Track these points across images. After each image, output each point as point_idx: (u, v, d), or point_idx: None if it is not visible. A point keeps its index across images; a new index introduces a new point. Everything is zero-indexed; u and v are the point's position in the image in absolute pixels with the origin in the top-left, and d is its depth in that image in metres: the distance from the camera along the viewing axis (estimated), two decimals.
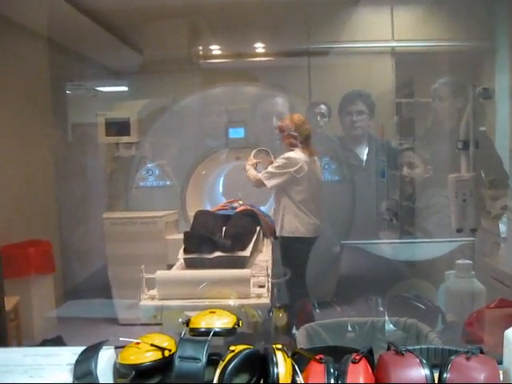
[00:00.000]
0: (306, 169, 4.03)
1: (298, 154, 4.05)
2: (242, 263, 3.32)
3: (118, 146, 4.94)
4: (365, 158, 5.07)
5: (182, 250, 3.41)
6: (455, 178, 3.83)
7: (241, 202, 4.37)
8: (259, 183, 4.09)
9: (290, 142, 4.09)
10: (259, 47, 5.77)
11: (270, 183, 4.04)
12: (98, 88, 6.15)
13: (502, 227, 3.93)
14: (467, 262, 3.22)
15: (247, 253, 3.39)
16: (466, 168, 3.86)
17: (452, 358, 1.41)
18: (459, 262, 3.22)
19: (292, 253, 4.15)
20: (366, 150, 5.09)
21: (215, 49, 5.82)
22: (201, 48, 5.69)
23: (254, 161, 4.28)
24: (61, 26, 4.72)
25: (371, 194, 5.01)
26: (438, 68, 4.87)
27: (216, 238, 3.39)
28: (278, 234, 4.17)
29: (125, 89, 6.28)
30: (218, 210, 4.28)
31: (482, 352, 1.43)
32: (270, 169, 4.06)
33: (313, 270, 4.18)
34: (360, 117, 4.97)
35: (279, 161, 4.05)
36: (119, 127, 4.83)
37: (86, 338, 3.74)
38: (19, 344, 3.85)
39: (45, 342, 3.85)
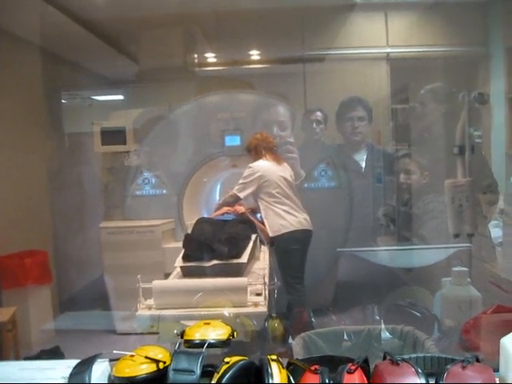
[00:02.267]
0: (271, 173, 4.21)
1: (260, 163, 4.26)
2: (238, 270, 3.32)
3: (129, 153, 4.95)
4: (363, 164, 5.07)
5: (179, 258, 3.41)
6: (451, 184, 3.84)
7: (239, 208, 4.37)
8: (234, 197, 4.31)
9: (254, 156, 4.36)
10: (254, 54, 5.79)
11: (243, 194, 4.25)
12: (93, 97, 6.16)
13: (497, 232, 3.94)
14: (463, 269, 3.22)
15: (244, 259, 3.39)
16: (462, 173, 3.87)
17: (448, 366, 1.41)
18: (455, 269, 3.21)
19: (289, 254, 4.19)
20: (364, 156, 5.10)
21: (210, 56, 5.83)
22: (196, 56, 5.70)
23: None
24: (56, 35, 4.73)
25: (368, 200, 5.01)
26: (433, 73, 4.89)
27: (213, 244, 3.39)
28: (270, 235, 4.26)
29: (121, 98, 6.29)
30: (223, 214, 4.31)
31: (478, 360, 1.43)
32: (240, 181, 4.26)
33: (310, 278, 4.18)
34: (361, 123, 4.98)
35: (245, 172, 4.27)
36: (115, 136, 4.83)
37: (83, 347, 3.75)
38: (16, 354, 3.83)
39: (42, 353, 3.84)
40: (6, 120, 4.40)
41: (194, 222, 3.97)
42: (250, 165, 4.27)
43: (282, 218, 4.19)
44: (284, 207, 4.21)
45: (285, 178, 4.26)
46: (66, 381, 1.44)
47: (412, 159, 4.62)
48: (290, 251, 4.18)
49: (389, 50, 5.26)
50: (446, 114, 4.34)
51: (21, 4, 4.21)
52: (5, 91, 4.45)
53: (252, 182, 4.21)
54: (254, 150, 4.35)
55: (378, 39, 5.22)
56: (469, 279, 3.17)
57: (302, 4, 4.77)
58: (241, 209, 4.34)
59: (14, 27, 4.51)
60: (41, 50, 4.85)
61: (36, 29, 4.55)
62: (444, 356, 1.66)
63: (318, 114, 5.00)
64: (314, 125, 4.99)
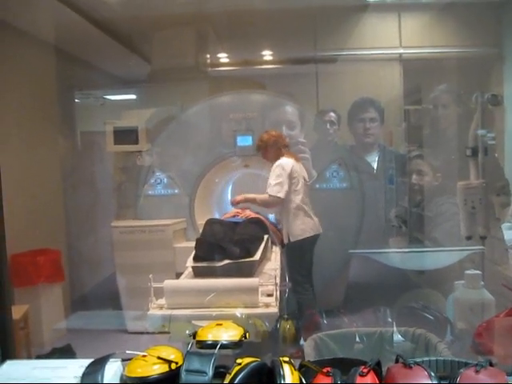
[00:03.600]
0: (298, 171, 4.11)
1: (285, 160, 4.11)
2: (250, 270, 3.31)
3: (141, 153, 4.96)
4: (375, 165, 5.06)
5: (190, 258, 3.41)
6: (464, 186, 3.81)
7: (248, 212, 4.34)
8: (274, 200, 4.07)
9: (272, 153, 4.18)
10: (267, 55, 5.78)
11: (282, 194, 4.03)
12: (106, 96, 6.18)
13: (510, 234, 3.90)
14: (476, 272, 3.20)
15: (256, 257, 3.38)
16: (474, 175, 3.84)
17: (461, 370, 1.40)
18: (468, 272, 3.19)
19: (301, 256, 4.16)
20: (376, 157, 5.08)
21: (223, 57, 5.83)
22: (208, 56, 5.71)
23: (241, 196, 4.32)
24: (69, 35, 4.75)
25: (380, 201, 4.99)
26: (446, 75, 4.86)
27: (225, 244, 3.38)
28: (285, 241, 4.17)
29: (133, 97, 6.31)
30: (233, 216, 4.29)
31: (491, 364, 1.42)
32: (272, 182, 4.05)
33: (321, 279, 4.17)
34: (373, 124, 4.97)
35: (275, 171, 4.07)
36: (127, 136, 4.85)
37: (94, 347, 3.77)
38: (28, 353, 3.85)
39: (54, 351, 3.86)
40: (19, 119, 4.43)
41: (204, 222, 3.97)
42: (278, 162, 4.10)
43: (303, 221, 4.12)
44: (306, 208, 4.15)
45: (304, 178, 4.22)
46: (78, 380, 1.45)
47: (424, 160, 4.60)
48: (303, 254, 4.14)
49: (402, 50, 5.24)
50: (460, 115, 4.31)
51: (34, 3, 4.23)
52: (19, 90, 4.47)
53: (285, 181, 4.04)
54: (273, 147, 4.18)
55: (391, 40, 5.19)
56: (482, 282, 3.15)
57: (314, 4, 4.76)
58: (250, 214, 4.28)
59: (28, 26, 4.53)
60: (54, 50, 4.88)
61: (50, 28, 4.57)
62: (457, 360, 1.65)
63: (332, 114, 4.99)
64: (328, 125, 4.99)
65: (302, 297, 4.05)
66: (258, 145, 4.27)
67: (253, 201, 4.23)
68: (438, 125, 4.59)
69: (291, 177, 4.06)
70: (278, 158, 4.14)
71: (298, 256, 4.16)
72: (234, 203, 4.31)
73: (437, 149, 4.60)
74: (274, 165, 4.10)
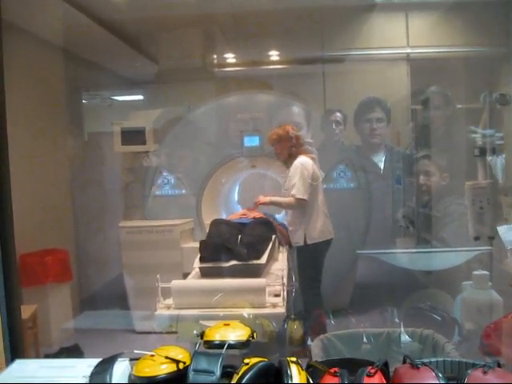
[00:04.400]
0: (316, 171, 4.00)
1: (305, 160, 3.98)
2: (257, 271, 3.32)
3: (148, 154, 4.98)
4: (382, 165, 5.04)
5: (197, 259, 3.42)
6: (472, 186, 3.80)
7: (255, 213, 4.33)
8: (300, 202, 3.89)
9: (291, 149, 4.02)
10: (273, 55, 5.78)
11: (306, 195, 3.88)
12: (113, 97, 6.20)
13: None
14: (484, 272, 3.19)
15: (263, 261, 3.39)
16: (482, 175, 3.83)
17: (469, 371, 1.39)
18: (476, 272, 3.18)
19: (317, 258, 4.02)
20: (383, 157, 5.07)
21: (229, 57, 5.84)
22: (215, 56, 5.72)
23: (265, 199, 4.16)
24: (77, 36, 4.77)
25: (388, 202, 4.98)
26: (454, 74, 4.84)
27: (232, 246, 3.39)
28: (300, 244, 4.00)
29: (140, 98, 6.33)
30: (240, 217, 4.28)
31: (499, 365, 1.42)
32: (297, 183, 3.86)
33: (328, 279, 4.16)
34: (379, 124, 4.95)
35: (297, 170, 3.91)
36: (135, 136, 4.86)
37: (102, 346, 3.78)
38: (37, 352, 3.87)
39: (62, 350, 3.88)
40: (29, 120, 4.45)
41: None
42: (299, 162, 3.93)
43: (324, 224, 4.01)
44: (324, 210, 4.04)
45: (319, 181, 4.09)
46: (86, 379, 1.45)
47: (432, 161, 4.59)
48: (318, 257, 4.02)
49: (409, 50, 5.22)
50: (467, 115, 4.31)
51: (42, 5, 4.25)
52: (27, 91, 4.49)
53: (307, 181, 3.88)
54: (288, 143, 4.00)
55: (398, 40, 5.18)
56: (490, 283, 3.14)
57: (321, 4, 4.75)
58: (258, 214, 4.24)
59: (36, 28, 4.55)
60: (62, 51, 4.90)
61: (57, 30, 4.59)
62: (464, 360, 1.65)
63: (338, 114, 4.98)
64: (334, 125, 4.97)
65: (312, 300, 3.95)
66: (273, 138, 4.07)
67: (278, 204, 4.13)
68: (446, 124, 4.59)
69: (313, 177, 3.93)
70: (291, 156, 4.01)
71: (313, 258, 4.04)
72: (257, 205, 4.15)
73: (444, 149, 4.58)
74: (295, 165, 3.94)
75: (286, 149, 4.03)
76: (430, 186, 4.59)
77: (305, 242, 3.97)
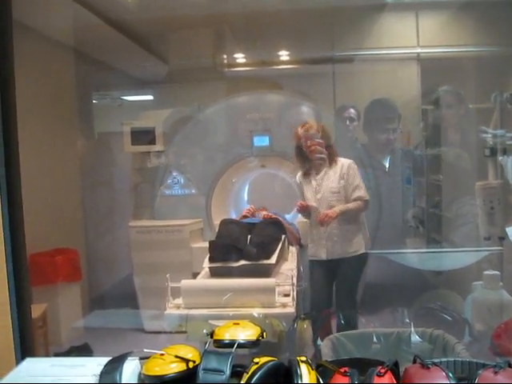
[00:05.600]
0: None
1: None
2: (267, 271, 3.32)
3: (150, 154, 4.99)
4: (387, 164, 5.02)
5: (207, 259, 3.43)
6: (483, 186, 3.78)
7: (264, 212, 4.33)
8: (367, 204, 3.64)
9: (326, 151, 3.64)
10: (283, 55, 5.78)
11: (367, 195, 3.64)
12: (123, 97, 6.22)
13: None
14: (495, 272, 3.17)
15: (272, 261, 3.39)
16: (493, 175, 3.80)
17: (479, 371, 1.39)
18: (487, 272, 3.17)
19: (358, 274, 3.71)
20: (388, 156, 5.05)
21: (240, 57, 5.84)
22: (225, 56, 5.72)
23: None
24: (87, 36, 4.78)
25: (397, 201, 4.96)
26: (464, 74, 4.82)
27: (241, 246, 3.39)
28: (361, 251, 3.64)
29: (150, 98, 6.35)
30: (242, 217, 4.28)
31: (510, 366, 1.41)
32: (359, 183, 3.58)
33: None
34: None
35: (354, 169, 3.61)
36: (145, 136, 4.88)
37: (111, 345, 3.79)
38: (47, 351, 3.89)
39: (72, 350, 3.90)
40: (38, 120, 4.47)
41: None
42: (349, 161, 3.64)
43: (367, 232, 3.74)
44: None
45: None
46: (96, 378, 1.46)
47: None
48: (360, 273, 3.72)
49: (419, 50, 5.20)
50: (478, 115, 4.28)
51: (53, 5, 4.27)
52: (38, 91, 4.51)
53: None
54: (331, 141, 3.69)
55: (409, 39, 5.16)
56: (501, 283, 3.12)
57: (331, 4, 4.74)
58: (269, 215, 4.22)
59: (46, 28, 4.57)
60: (73, 51, 4.92)
61: (68, 30, 4.61)
62: (475, 361, 1.64)
63: (352, 111, 4.97)
64: (348, 122, 4.96)
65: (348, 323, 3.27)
66: (311, 133, 3.66)
67: (349, 212, 3.59)
68: (458, 124, 4.57)
69: None
70: (331, 155, 3.65)
71: (360, 270, 3.73)
72: (327, 222, 3.54)
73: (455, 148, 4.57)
74: (349, 165, 3.60)
75: (334, 150, 3.68)
76: (441, 186, 4.57)
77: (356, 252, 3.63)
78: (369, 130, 5.04)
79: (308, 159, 3.69)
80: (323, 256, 3.62)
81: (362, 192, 3.58)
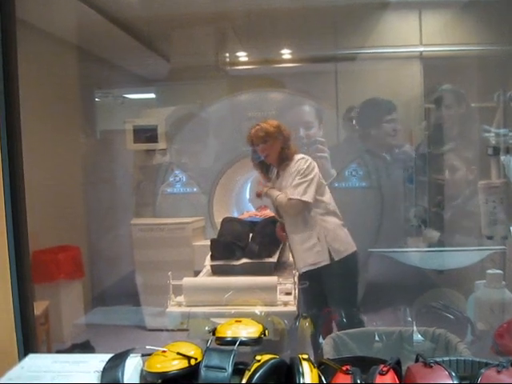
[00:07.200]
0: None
1: (305, 155, 3.31)
2: (268, 270, 3.32)
3: (155, 152, 4.99)
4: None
5: (208, 257, 3.43)
6: (485, 185, 3.77)
7: (268, 211, 4.33)
8: (298, 204, 3.14)
9: (285, 147, 3.28)
10: (286, 53, 5.78)
11: (309, 197, 3.13)
12: (126, 95, 6.22)
13: None
14: (498, 271, 3.17)
15: (274, 259, 3.40)
16: (496, 174, 3.80)
17: (482, 370, 1.38)
18: (490, 271, 3.16)
19: (353, 275, 3.34)
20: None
21: (242, 55, 5.83)
22: (228, 55, 5.72)
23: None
24: (90, 34, 4.79)
25: (399, 200, 4.96)
26: (467, 73, 4.81)
27: (243, 244, 3.39)
28: (323, 263, 3.19)
29: (152, 96, 6.35)
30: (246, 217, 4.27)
31: None
32: (297, 181, 3.15)
33: None
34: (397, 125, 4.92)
35: (300, 166, 3.18)
36: (147, 134, 4.88)
37: (113, 343, 3.80)
38: (49, 348, 3.90)
39: (74, 347, 3.91)
40: (41, 117, 4.47)
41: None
42: (301, 157, 3.23)
43: (346, 232, 3.30)
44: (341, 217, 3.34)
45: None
46: (98, 374, 1.46)
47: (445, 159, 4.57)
48: (355, 270, 3.34)
49: (422, 48, 5.19)
50: (481, 114, 4.28)
51: (55, 3, 4.27)
52: (40, 89, 4.51)
53: (313, 181, 3.16)
54: (287, 140, 3.28)
55: (412, 38, 5.15)
56: (503, 282, 3.12)
57: (334, 2, 4.74)
58: (269, 213, 4.10)
59: (49, 26, 4.57)
60: (75, 49, 4.93)
61: (71, 27, 4.62)
62: (478, 360, 1.63)
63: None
64: (354, 122, 4.97)
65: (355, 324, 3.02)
66: (259, 136, 3.28)
67: (273, 200, 3.33)
68: (459, 123, 4.56)
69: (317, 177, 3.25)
70: (285, 157, 3.27)
71: (352, 276, 3.35)
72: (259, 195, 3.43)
73: (458, 147, 4.56)
74: (298, 158, 3.24)
75: (277, 150, 3.28)
76: (443, 185, 4.57)
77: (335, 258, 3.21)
78: (365, 125, 5.03)
79: (265, 163, 3.43)
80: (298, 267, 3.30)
81: (291, 191, 3.15)
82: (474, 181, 4.23)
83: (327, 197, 3.29)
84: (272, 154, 3.28)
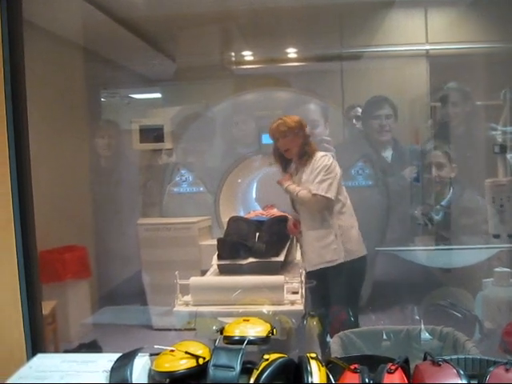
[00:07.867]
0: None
1: (327, 153, 3.38)
2: (275, 269, 3.32)
3: (162, 152, 5.00)
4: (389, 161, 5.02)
5: (215, 256, 3.43)
6: (492, 183, 3.76)
7: (275, 210, 4.32)
8: (322, 201, 3.18)
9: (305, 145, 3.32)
10: (291, 52, 5.77)
11: (332, 194, 3.17)
12: (132, 95, 6.23)
13: None
14: (505, 269, 3.16)
15: (281, 258, 3.39)
16: (503, 172, 3.78)
17: (491, 369, 1.38)
18: (497, 269, 3.16)
19: (358, 279, 3.36)
20: (390, 152, 5.03)
21: (247, 55, 5.83)
22: (233, 54, 5.72)
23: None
24: (95, 34, 4.80)
25: (406, 199, 4.95)
26: (474, 71, 4.80)
27: (250, 243, 3.39)
28: (339, 260, 3.22)
29: (158, 96, 6.36)
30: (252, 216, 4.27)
31: None
32: (321, 177, 3.18)
33: None
34: (388, 120, 4.91)
35: (324, 163, 3.23)
36: (153, 134, 4.89)
37: (120, 342, 3.81)
38: (56, 348, 3.91)
39: (81, 347, 3.91)
40: (47, 118, 4.48)
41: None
42: (324, 154, 3.29)
43: (358, 233, 3.34)
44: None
45: None
46: (107, 374, 1.47)
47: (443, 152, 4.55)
48: (363, 273, 3.37)
49: (428, 47, 5.18)
50: (487, 112, 4.27)
51: (62, 4, 4.28)
52: (47, 89, 4.53)
53: (335, 179, 3.22)
54: (308, 137, 3.34)
55: (418, 36, 5.14)
56: (511, 280, 3.11)
57: (340, 1, 4.73)
58: (275, 212, 4.08)
59: (55, 26, 4.58)
60: (81, 49, 4.94)
61: (77, 28, 4.63)
62: (486, 358, 1.63)
63: (359, 109, 4.97)
64: (354, 121, 4.96)
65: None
66: (281, 130, 3.30)
67: (294, 196, 3.34)
68: (466, 121, 4.55)
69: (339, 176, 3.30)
70: (305, 152, 3.31)
71: (359, 279, 3.38)
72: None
73: (464, 145, 4.55)
74: (320, 155, 3.29)
75: (298, 145, 3.32)
76: (450, 182, 4.55)
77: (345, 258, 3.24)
78: (366, 125, 5.03)
79: (284, 158, 3.45)
80: (306, 266, 3.34)
81: (316, 187, 3.18)
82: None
83: (344, 196, 3.34)
84: (292, 148, 3.33)
